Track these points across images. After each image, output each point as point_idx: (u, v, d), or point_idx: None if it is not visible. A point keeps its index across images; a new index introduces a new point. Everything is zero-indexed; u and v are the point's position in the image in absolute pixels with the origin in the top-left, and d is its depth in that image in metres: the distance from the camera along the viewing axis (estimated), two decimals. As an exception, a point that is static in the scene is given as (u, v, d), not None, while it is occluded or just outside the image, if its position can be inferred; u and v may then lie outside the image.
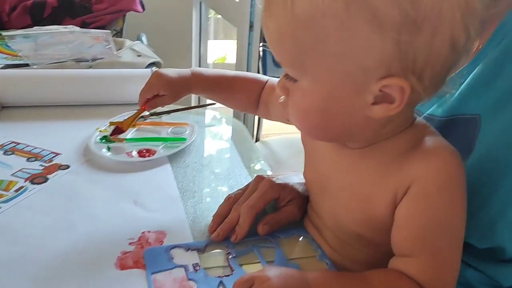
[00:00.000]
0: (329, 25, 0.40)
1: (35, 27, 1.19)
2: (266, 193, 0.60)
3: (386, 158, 0.49)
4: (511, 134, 0.50)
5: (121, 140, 0.81)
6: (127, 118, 0.70)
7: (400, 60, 0.41)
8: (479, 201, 0.52)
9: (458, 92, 0.56)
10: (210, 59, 2.17)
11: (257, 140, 1.73)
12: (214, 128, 0.95)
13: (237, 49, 1.44)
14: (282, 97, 0.50)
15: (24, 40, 1.12)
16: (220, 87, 0.72)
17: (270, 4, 0.43)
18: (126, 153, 0.77)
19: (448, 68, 0.44)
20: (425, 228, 0.47)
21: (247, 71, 1.39)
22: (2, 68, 0.99)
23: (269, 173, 0.76)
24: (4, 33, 1.14)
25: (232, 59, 2.62)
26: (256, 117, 1.67)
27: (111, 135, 0.73)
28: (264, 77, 0.73)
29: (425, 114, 0.60)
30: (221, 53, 2.80)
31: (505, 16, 0.52)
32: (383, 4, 0.38)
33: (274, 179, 0.62)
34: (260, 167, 0.81)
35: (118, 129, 0.72)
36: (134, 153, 0.77)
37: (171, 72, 0.70)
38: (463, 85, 0.56)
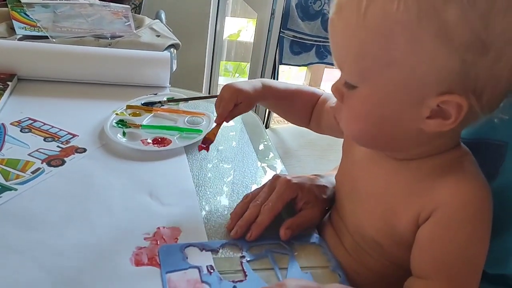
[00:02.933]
0: (399, 34, 0.40)
1: (55, -4, 1.17)
2: (285, 193, 0.60)
3: (419, 176, 0.49)
4: None
5: (137, 126, 0.80)
6: (211, 131, 0.68)
7: (462, 79, 0.41)
8: (496, 228, 0.51)
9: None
10: (224, 36, 2.15)
11: (266, 127, 1.72)
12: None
13: (255, 35, 1.42)
14: (334, 101, 0.50)
15: (43, 10, 1.10)
16: (284, 99, 0.72)
17: (342, 7, 0.43)
18: (141, 140, 0.77)
19: (505, 91, 0.43)
20: (446, 254, 0.47)
21: (264, 57, 1.37)
22: (20, 39, 0.98)
23: (279, 166, 0.76)
24: (23, 0, 1.11)
25: (245, 37, 2.59)
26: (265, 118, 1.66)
27: (203, 144, 0.68)
28: (320, 91, 0.73)
29: None
30: (235, 30, 2.76)
31: None
32: (456, 22, 0.39)
33: (291, 178, 0.62)
34: (273, 163, 0.80)
35: (208, 140, 0.68)
36: (149, 141, 0.77)
37: (244, 85, 0.67)
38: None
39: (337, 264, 0.57)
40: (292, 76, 2.94)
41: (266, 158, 0.80)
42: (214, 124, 0.68)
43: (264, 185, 0.63)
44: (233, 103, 0.65)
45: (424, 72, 0.41)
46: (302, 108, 0.72)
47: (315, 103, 0.72)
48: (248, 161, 0.77)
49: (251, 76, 1.65)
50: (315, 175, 0.67)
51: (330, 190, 0.64)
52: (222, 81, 2.53)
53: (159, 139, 0.77)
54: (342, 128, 0.51)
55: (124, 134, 0.78)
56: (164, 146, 0.76)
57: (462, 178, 0.47)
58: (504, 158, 0.52)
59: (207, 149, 0.67)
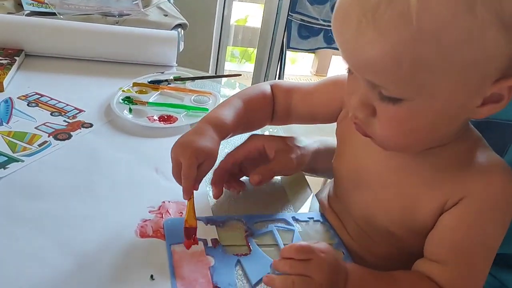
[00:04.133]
0: (458, 36, 0.37)
1: (62, -26, 1.16)
2: (248, 142, 0.62)
3: (440, 165, 0.49)
4: None
5: (144, 103, 0.80)
6: (187, 214, 0.53)
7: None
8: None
9: None
10: (232, 21, 2.13)
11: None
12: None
13: (263, 17, 1.40)
14: (360, 115, 0.46)
15: (51, -13, 1.09)
16: (239, 126, 0.62)
17: (378, 19, 0.38)
18: (147, 117, 0.77)
19: None
20: (468, 242, 0.47)
21: (271, 39, 1.36)
22: (28, 15, 0.98)
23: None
24: (31, -23, 1.11)
25: (253, 22, 2.57)
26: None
27: (187, 236, 0.53)
28: (265, 88, 0.65)
29: None
30: (242, 15, 2.74)
31: None
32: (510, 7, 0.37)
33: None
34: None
35: (191, 229, 0.53)
36: (155, 118, 0.77)
37: (195, 138, 0.55)
38: None
39: (341, 242, 0.57)
40: (298, 65, 2.92)
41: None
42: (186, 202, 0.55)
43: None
44: (195, 167, 0.53)
45: (486, 65, 0.39)
46: (262, 113, 0.65)
47: (271, 101, 0.65)
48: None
49: (258, 62, 1.64)
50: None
51: (307, 146, 0.64)
52: (229, 66, 2.52)
53: (165, 117, 0.77)
54: (376, 142, 0.48)
55: (130, 110, 0.78)
56: (170, 123, 0.76)
57: (490, 168, 0.47)
58: None
59: (195, 241, 0.53)
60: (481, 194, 0.46)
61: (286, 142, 0.63)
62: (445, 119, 0.44)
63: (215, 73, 2.06)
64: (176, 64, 0.97)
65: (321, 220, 0.60)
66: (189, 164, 0.52)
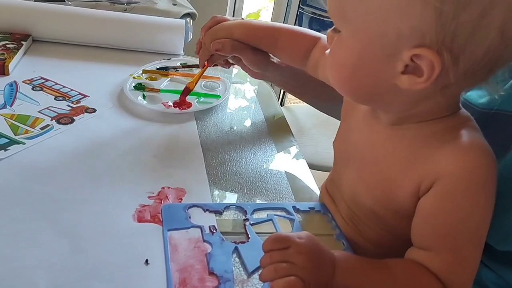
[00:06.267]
0: None
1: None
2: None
3: (417, 143, 0.48)
4: None
5: (156, 90, 0.80)
6: (193, 79, 0.73)
7: (437, 32, 0.39)
8: (506, 203, 0.50)
9: (505, 87, 0.53)
10: (244, 14, 2.12)
11: (282, 105, 1.71)
12: (241, 86, 0.93)
13: (274, 8, 1.39)
14: (328, 50, 0.49)
15: (61, -26, 1.09)
16: (264, 35, 0.70)
17: None
18: (162, 103, 0.76)
19: (493, 59, 0.41)
20: (449, 226, 0.45)
21: (284, 16, 1.34)
22: (36, 0, 0.98)
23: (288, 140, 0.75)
24: (41, -37, 1.11)
25: (265, 16, 2.55)
26: (280, 92, 1.64)
27: (182, 95, 0.75)
28: (316, 34, 0.70)
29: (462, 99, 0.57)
30: (255, 8, 2.73)
31: None
32: None
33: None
34: (285, 134, 0.79)
35: (187, 90, 0.74)
36: (170, 103, 0.76)
37: (226, 27, 0.69)
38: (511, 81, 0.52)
39: (342, 233, 0.56)
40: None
41: (277, 129, 0.79)
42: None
43: None
44: (217, 46, 0.67)
45: (399, 21, 0.40)
46: (292, 48, 0.69)
47: (310, 45, 0.68)
48: (258, 130, 0.76)
49: None
50: None
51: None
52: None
53: (179, 102, 0.77)
54: (328, 76, 0.50)
55: (144, 97, 0.77)
56: (185, 109, 0.76)
57: (464, 146, 0.45)
58: None
59: (185, 102, 0.71)
60: (454, 175, 0.44)
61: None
62: (373, 67, 0.44)
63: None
64: (183, 53, 0.97)
65: (322, 210, 0.59)
66: (209, 44, 0.67)
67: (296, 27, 0.72)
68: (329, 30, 0.49)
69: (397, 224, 0.50)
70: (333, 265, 0.45)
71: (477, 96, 0.56)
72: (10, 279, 0.45)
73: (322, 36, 0.69)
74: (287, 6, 1.31)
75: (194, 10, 1.11)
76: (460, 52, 0.39)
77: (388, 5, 0.40)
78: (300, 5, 1.43)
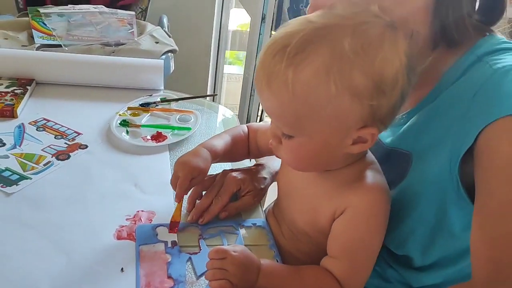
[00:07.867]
0: (322, 100, 0.53)
1: (69, 5, 1.34)
2: (230, 187, 0.77)
3: (336, 183, 0.64)
4: (427, 176, 0.63)
5: (138, 126, 0.97)
6: (175, 212, 0.73)
7: (372, 116, 0.56)
8: (398, 219, 0.67)
9: (401, 130, 0.69)
10: (232, 26, 2.23)
11: (261, 120, 1.87)
12: (210, 116, 1.10)
13: (249, 38, 1.55)
14: (273, 143, 0.62)
15: (59, 19, 1.27)
16: (228, 153, 0.80)
17: (271, 84, 0.55)
18: (141, 137, 0.94)
19: (396, 111, 0.59)
20: (350, 242, 0.63)
21: (255, 59, 1.51)
22: (38, 47, 1.15)
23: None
24: (42, 10, 1.28)
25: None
26: (259, 111, 1.80)
27: (171, 228, 0.73)
28: (244, 128, 0.85)
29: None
30: (243, 20, 2.84)
31: (440, 79, 0.65)
32: (362, 81, 0.53)
33: (236, 174, 0.78)
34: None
35: (175, 223, 0.73)
36: (148, 137, 0.94)
37: (195, 160, 0.73)
38: (405, 126, 0.69)
39: (274, 243, 0.72)
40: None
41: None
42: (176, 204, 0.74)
43: (215, 176, 0.79)
44: (188, 180, 0.71)
45: (346, 120, 0.55)
46: (241, 149, 0.84)
47: (247, 139, 0.83)
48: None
49: (247, 66, 1.73)
50: (257, 165, 0.83)
51: (268, 180, 0.81)
52: (233, 69, 2.68)
53: (156, 134, 0.95)
54: (284, 162, 0.64)
55: (127, 132, 0.94)
56: (161, 141, 0.93)
57: (366, 185, 0.62)
58: (411, 164, 0.66)
59: (175, 231, 0.72)
60: (358, 207, 0.61)
61: (255, 185, 0.78)
62: (328, 151, 0.60)
63: (214, 76, 2.21)
64: (163, 88, 1.14)
65: (262, 225, 0.76)
66: (185, 177, 0.71)
67: (233, 132, 0.84)
68: (273, 130, 0.61)
69: (322, 241, 0.67)
70: (258, 271, 0.62)
71: (385, 136, 0.73)
72: (21, 285, 0.62)
73: (245, 128, 0.84)
74: (259, 34, 1.47)
75: (175, 47, 1.28)
76: (385, 117, 0.58)
77: (337, 112, 0.54)
78: (272, 32, 1.58)
